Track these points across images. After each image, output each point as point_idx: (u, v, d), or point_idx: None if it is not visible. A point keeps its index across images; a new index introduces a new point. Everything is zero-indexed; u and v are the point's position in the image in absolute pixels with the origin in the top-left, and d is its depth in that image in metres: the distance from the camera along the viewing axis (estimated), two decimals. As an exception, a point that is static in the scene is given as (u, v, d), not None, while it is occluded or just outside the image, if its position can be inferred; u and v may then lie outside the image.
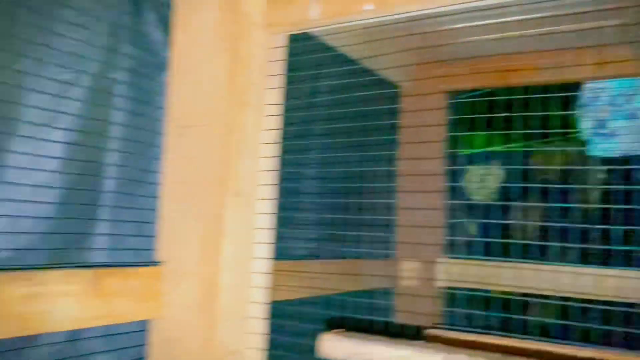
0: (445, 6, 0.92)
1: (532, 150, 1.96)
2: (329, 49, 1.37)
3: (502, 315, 1.46)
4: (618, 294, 1.46)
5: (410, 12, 0.96)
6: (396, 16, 0.98)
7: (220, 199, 0.99)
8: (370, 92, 1.51)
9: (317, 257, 1.33)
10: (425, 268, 1.80)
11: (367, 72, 1.62)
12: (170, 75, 1.10)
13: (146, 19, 1.13)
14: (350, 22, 1.01)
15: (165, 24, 1.13)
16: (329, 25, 1.03)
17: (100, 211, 1.04)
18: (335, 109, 1.43)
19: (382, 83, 1.80)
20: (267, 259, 1.03)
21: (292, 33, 1.07)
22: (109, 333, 1.02)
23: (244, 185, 1.01)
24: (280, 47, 1.06)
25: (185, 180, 1.05)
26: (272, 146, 1.04)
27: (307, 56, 1.21)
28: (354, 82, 1.47)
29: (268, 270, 1.03)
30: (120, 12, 1.09)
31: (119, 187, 1.08)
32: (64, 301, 0.88)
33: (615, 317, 1.34)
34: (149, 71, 1.13)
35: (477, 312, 1.66)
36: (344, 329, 0.96)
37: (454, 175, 1.98)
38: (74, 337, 0.97)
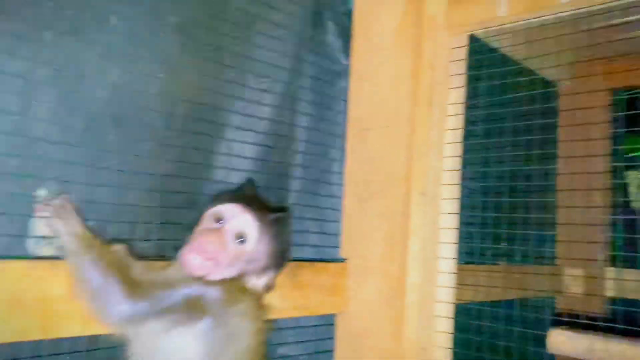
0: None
1: None
2: (490, 50, 1.35)
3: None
4: None
5: (606, 3, 0.92)
6: (571, 12, 0.94)
7: (405, 198, 1.02)
8: (531, 92, 1.45)
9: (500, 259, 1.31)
10: (591, 276, 1.69)
11: (526, 72, 1.57)
12: (351, 80, 1.15)
13: (327, 28, 1.19)
14: (536, 18, 0.99)
15: (344, 32, 1.18)
16: (514, 22, 1.01)
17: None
18: (496, 109, 1.40)
19: (541, 82, 1.73)
20: (452, 259, 1.03)
21: (473, 33, 1.07)
22: (299, 325, 1.08)
23: (429, 184, 1.02)
24: (463, 46, 1.06)
25: (368, 180, 1.09)
26: (455, 145, 1.05)
27: (478, 57, 1.20)
28: (514, 82, 1.43)
29: (453, 270, 1.03)
30: (305, 22, 1.15)
31: (303, 186, 1.14)
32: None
33: None
34: (329, 77, 1.19)
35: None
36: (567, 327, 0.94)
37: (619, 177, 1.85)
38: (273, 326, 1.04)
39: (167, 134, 0.91)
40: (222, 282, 0.72)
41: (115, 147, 0.84)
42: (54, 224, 0.72)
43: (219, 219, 0.74)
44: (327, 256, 1.13)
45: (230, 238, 0.73)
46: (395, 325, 0.99)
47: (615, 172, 1.79)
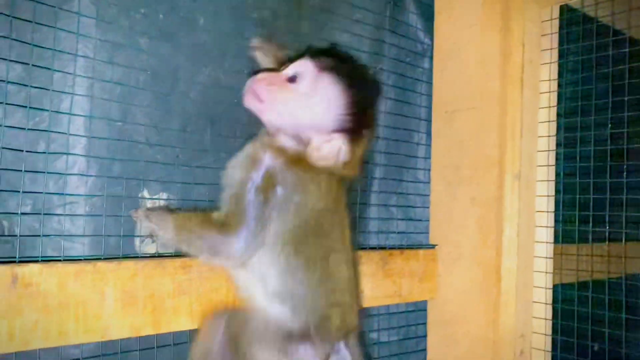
0: None
1: None
2: (588, 19, 1.27)
3: None
4: None
5: None
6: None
7: (498, 182, 0.99)
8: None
9: (599, 239, 1.24)
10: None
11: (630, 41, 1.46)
12: (435, 61, 1.12)
13: (407, 7, 1.16)
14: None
15: (426, 10, 1.15)
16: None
17: (373, 197, 1.10)
18: (596, 84, 1.31)
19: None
20: (549, 243, 0.99)
21: (563, 3, 1.01)
22: (392, 312, 1.08)
23: (523, 166, 0.98)
24: (553, 19, 1.01)
25: (457, 164, 1.06)
26: (549, 125, 1.00)
27: (568, 29, 1.12)
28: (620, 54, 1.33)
29: (550, 255, 0.99)
30: (384, 2, 1.12)
31: (387, 173, 1.13)
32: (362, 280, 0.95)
33: None
34: (411, 59, 1.16)
35: None
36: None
37: None
38: (365, 313, 1.04)
39: (257, 129, 0.92)
40: (281, 152, 0.70)
41: (210, 146, 0.86)
42: (149, 225, 0.75)
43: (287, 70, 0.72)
44: (416, 243, 1.12)
45: (283, 77, 0.71)
46: (490, 312, 0.98)
47: None
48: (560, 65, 1.02)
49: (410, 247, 1.07)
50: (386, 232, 1.11)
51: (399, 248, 1.04)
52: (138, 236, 0.80)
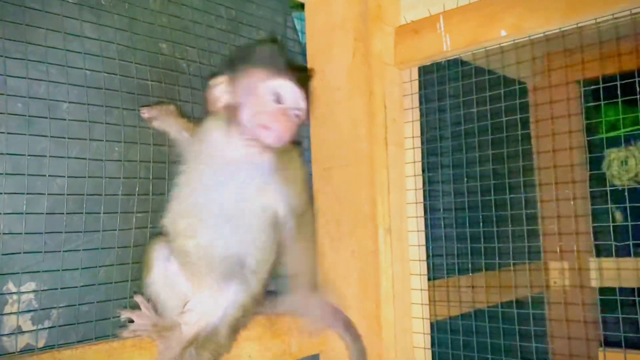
0: (575, 25, 0.89)
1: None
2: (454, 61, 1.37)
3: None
4: None
5: (542, 33, 0.94)
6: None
7: (373, 236, 1.04)
8: (499, 91, 1.46)
9: (466, 271, 1.33)
10: (575, 269, 1.72)
11: (491, 72, 1.59)
12: (311, 120, 1.17)
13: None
14: (481, 49, 1.01)
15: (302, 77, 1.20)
16: (460, 54, 1.03)
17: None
18: (466, 117, 1.41)
19: (510, 80, 1.75)
20: (425, 290, 1.05)
21: (422, 65, 1.09)
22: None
23: (394, 220, 1.04)
24: (412, 80, 1.09)
25: (338, 219, 1.11)
26: (414, 179, 1.07)
27: (432, 75, 1.21)
28: (480, 85, 1.44)
29: (425, 301, 1.06)
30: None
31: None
32: (249, 345, 0.97)
33: None
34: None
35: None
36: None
37: (595, 165, 1.87)
38: None
39: (130, 202, 0.93)
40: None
41: (80, 228, 0.87)
42: None
43: (276, 97, 0.83)
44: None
45: (292, 115, 0.84)
46: (375, 360, 1.02)
47: (591, 163, 1.79)
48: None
49: (298, 303, 1.10)
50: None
51: (285, 307, 1.07)
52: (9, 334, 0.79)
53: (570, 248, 1.67)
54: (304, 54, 1.20)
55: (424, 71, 1.12)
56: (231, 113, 0.84)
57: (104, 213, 0.89)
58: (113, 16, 0.92)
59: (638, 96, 0.93)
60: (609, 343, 1.14)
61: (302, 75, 0.88)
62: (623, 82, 1.11)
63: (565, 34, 0.95)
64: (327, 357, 1.10)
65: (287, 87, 0.84)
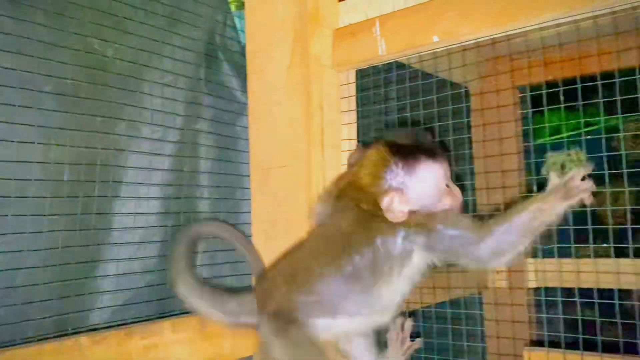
0: (510, 31, 0.91)
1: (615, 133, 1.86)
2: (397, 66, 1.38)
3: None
4: None
5: (474, 40, 0.96)
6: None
7: (307, 237, 1.04)
8: (440, 95, 1.48)
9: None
10: (515, 270, 1.77)
11: (433, 75, 1.61)
12: (249, 119, 1.16)
13: (222, 69, 1.19)
14: (416, 54, 1.02)
15: (241, 72, 1.19)
16: (396, 58, 1.05)
17: (200, 258, 1.12)
18: (402, 121, 1.43)
19: (452, 84, 1.78)
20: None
21: (359, 68, 1.10)
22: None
23: (330, 222, 1.04)
24: (350, 83, 1.09)
25: (274, 219, 1.10)
26: (352, 181, 1.07)
27: (372, 77, 1.21)
28: (422, 87, 1.46)
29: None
30: (198, 66, 1.15)
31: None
32: (177, 348, 0.96)
33: None
34: (229, 117, 1.19)
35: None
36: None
37: (533, 169, 1.92)
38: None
39: (54, 203, 0.90)
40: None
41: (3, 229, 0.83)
42: None
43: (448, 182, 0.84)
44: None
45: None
46: None
47: (529, 168, 1.84)
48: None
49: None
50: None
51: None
52: None
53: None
54: (243, 53, 1.19)
55: (361, 75, 1.12)
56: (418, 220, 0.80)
57: (30, 215, 0.86)
58: (36, 11, 0.89)
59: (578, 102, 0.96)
60: (539, 343, 1.18)
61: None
62: (551, 90, 1.15)
63: (509, 38, 0.97)
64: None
65: (446, 168, 0.85)
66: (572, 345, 1.07)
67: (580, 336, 1.10)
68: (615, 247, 1.23)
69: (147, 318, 1.01)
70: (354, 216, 0.83)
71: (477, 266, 0.80)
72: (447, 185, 0.84)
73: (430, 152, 0.82)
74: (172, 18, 1.09)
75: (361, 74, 1.13)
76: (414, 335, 1.02)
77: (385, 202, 0.78)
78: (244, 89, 1.19)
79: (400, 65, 1.32)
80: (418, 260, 0.81)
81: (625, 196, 1.12)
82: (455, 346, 1.29)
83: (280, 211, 1.10)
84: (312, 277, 0.83)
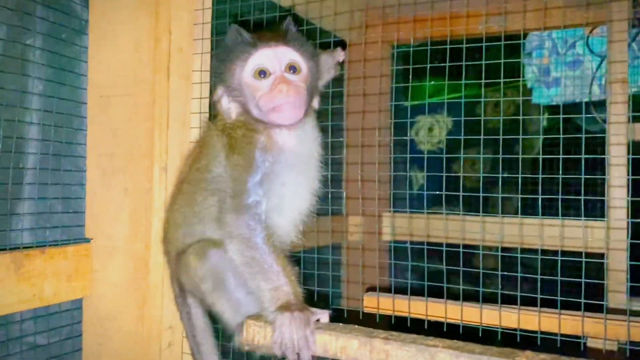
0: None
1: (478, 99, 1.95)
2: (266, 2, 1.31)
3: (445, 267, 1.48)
4: (560, 243, 1.49)
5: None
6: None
7: (149, 173, 0.96)
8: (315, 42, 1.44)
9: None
10: (372, 223, 1.81)
11: (309, 23, 1.56)
12: (90, 40, 1.03)
13: (61, -22, 1.04)
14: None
15: (83, -17, 1.05)
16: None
17: (24, 190, 0.99)
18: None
19: (327, 34, 1.74)
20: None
21: (218, -6, 1.01)
22: (40, 314, 0.98)
23: (171, 158, 0.97)
24: (205, 9, 1.00)
25: (112, 153, 1.00)
26: (200, 116, 1.00)
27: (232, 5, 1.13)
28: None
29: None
30: (32, -29, 0.99)
31: (43, 162, 1.02)
32: (-16, 288, 0.84)
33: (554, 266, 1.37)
34: (67, 35, 1.05)
35: (420, 264, 1.68)
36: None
37: (400, 129, 1.95)
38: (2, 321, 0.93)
39: None
40: None
41: None
42: None
43: (262, 73, 0.76)
44: (76, 236, 1.04)
45: (289, 76, 0.76)
46: (140, 306, 0.96)
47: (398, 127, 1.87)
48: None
49: (57, 243, 0.98)
50: (44, 227, 1.01)
51: (40, 246, 0.95)
52: None
53: (370, 206, 1.75)
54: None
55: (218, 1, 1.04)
56: (248, 116, 0.79)
57: None
58: None
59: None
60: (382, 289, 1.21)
61: (275, 33, 0.79)
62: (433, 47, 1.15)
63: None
64: (91, 302, 1.01)
65: (264, 57, 0.77)
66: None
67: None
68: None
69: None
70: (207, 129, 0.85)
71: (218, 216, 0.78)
72: (272, 83, 0.76)
73: (243, 45, 0.77)
74: None
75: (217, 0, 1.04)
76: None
77: (215, 96, 0.80)
78: (86, 4, 1.05)
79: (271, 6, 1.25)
80: None
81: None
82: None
83: (120, 145, 1.00)
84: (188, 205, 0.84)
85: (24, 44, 0.99)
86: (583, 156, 1.21)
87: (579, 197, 1.24)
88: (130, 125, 0.98)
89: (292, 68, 0.77)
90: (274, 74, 0.76)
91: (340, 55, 0.88)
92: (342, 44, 0.91)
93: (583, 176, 1.19)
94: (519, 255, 1.10)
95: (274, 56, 0.77)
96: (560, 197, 1.32)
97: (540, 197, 1.29)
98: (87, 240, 1.02)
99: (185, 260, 0.82)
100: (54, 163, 1.03)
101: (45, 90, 1.02)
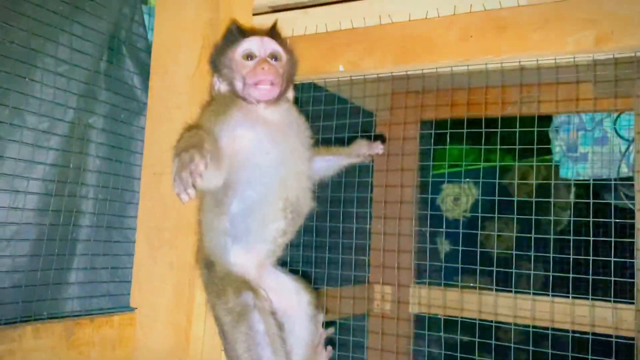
0: (414, 70, 0.95)
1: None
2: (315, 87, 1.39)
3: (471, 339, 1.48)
4: (587, 323, 1.48)
5: (376, 74, 0.99)
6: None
7: (194, 249, 1.02)
8: (347, 120, 1.50)
9: None
10: (398, 293, 1.82)
11: (343, 100, 1.64)
12: (148, 121, 1.12)
13: (124, 65, 1.15)
14: (322, 79, 1.04)
15: (144, 70, 1.15)
16: (302, 80, 1.05)
17: (76, 260, 1.06)
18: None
19: (359, 111, 1.82)
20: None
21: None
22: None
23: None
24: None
25: (161, 227, 1.07)
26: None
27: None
28: (331, 110, 1.48)
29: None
30: (98, 59, 1.10)
31: (97, 234, 1.09)
32: (37, 356, 0.90)
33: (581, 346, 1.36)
34: (126, 116, 1.15)
35: (449, 336, 1.67)
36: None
37: (427, 201, 1.98)
38: None
39: None
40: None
41: None
42: None
43: (249, 56, 0.92)
44: (121, 304, 1.10)
45: (271, 61, 0.91)
46: (180, 376, 0.99)
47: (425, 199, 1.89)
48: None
49: (103, 313, 1.04)
50: (89, 296, 1.07)
51: (88, 315, 1.00)
52: None
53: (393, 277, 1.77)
54: (148, 51, 1.15)
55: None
56: (233, 93, 0.94)
57: None
58: None
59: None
60: None
61: (264, 30, 0.97)
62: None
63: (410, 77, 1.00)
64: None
65: (253, 43, 0.92)
66: None
67: None
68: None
69: (8, 321, 0.93)
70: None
71: None
72: (256, 63, 0.91)
73: (236, 35, 0.93)
74: (73, 5, 1.03)
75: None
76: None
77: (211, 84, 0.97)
78: (145, 88, 1.15)
79: (317, 87, 1.33)
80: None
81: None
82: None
83: (168, 219, 1.06)
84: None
85: (87, 125, 1.08)
86: (612, 239, 1.23)
87: (609, 279, 1.25)
88: (178, 202, 1.04)
89: (274, 57, 0.93)
90: (259, 56, 0.92)
91: (379, 149, 0.94)
92: (381, 138, 0.97)
93: (612, 259, 1.21)
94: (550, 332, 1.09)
95: (261, 44, 0.93)
96: (590, 277, 1.34)
97: (571, 275, 1.29)
98: (132, 309, 1.07)
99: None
100: (105, 235, 1.11)
101: (102, 166, 1.11)
